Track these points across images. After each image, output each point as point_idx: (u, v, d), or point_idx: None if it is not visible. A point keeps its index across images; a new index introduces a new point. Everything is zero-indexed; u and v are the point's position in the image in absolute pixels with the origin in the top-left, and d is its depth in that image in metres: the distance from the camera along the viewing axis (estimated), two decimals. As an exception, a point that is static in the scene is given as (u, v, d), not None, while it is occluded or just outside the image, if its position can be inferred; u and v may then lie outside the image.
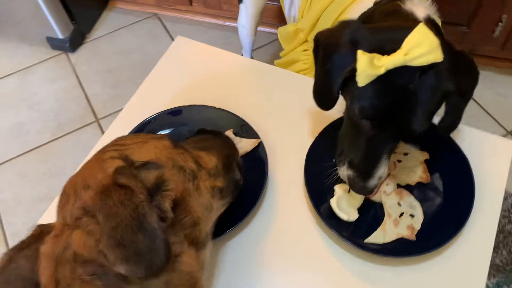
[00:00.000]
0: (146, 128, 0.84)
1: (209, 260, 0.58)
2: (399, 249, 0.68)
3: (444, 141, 0.77)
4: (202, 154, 0.58)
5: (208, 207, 0.54)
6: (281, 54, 1.07)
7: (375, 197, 0.74)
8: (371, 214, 0.74)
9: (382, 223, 0.70)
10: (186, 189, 0.51)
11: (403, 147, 0.78)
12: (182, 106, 0.86)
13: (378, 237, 0.69)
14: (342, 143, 0.70)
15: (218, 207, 0.58)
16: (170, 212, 0.45)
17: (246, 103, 0.89)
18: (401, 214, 0.71)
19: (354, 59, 0.58)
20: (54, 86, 1.86)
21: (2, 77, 1.90)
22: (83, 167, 0.51)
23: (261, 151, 0.80)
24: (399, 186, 0.75)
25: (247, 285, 0.71)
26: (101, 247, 0.42)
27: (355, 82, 0.58)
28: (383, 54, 0.56)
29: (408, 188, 0.75)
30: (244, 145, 0.80)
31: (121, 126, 0.88)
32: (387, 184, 0.73)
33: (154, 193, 0.45)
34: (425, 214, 0.72)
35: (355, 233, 0.71)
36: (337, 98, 0.66)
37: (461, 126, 0.83)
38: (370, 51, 0.57)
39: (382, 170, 0.65)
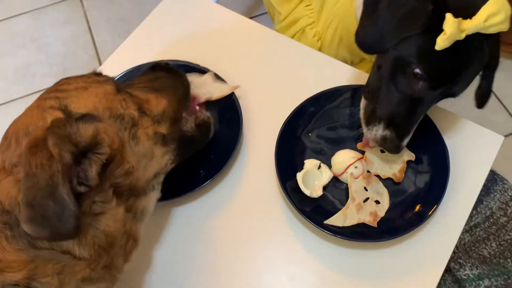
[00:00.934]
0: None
1: (153, 209, 0.58)
2: (358, 233, 0.66)
3: (429, 128, 0.73)
4: (151, 96, 0.56)
5: (147, 154, 0.53)
6: (281, 17, 1.02)
7: (343, 177, 0.71)
8: (337, 194, 0.71)
9: (345, 207, 0.67)
10: (121, 139, 0.50)
11: None
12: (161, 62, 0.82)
13: (338, 220, 0.66)
14: (374, 102, 0.67)
15: (162, 154, 0.56)
16: (95, 179, 0.45)
17: (235, 65, 0.86)
18: (366, 199, 0.68)
19: (431, 15, 0.57)
20: (64, 30, 1.85)
21: (15, 16, 1.89)
22: (25, 112, 0.51)
23: (236, 114, 0.77)
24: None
25: (196, 252, 0.70)
26: (19, 200, 0.43)
27: (421, 40, 0.59)
28: (462, 17, 0.56)
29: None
30: (223, 89, 0.78)
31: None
32: (355, 167, 0.70)
33: (85, 154, 0.46)
34: (391, 202, 0.68)
35: (317, 211, 0.68)
36: (390, 46, 0.62)
37: (453, 115, 0.78)
38: (449, 10, 0.56)
39: (415, 128, 0.66)
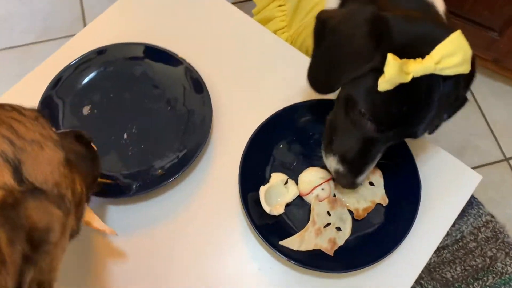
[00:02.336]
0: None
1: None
2: (314, 259, 0.62)
3: (405, 160, 0.68)
4: (76, 176, 0.44)
5: (65, 248, 0.41)
6: (253, 11, 0.96)
7: (309, 197, 0.66)
8: (300, 213, 0.67)
9: (303, 229, 0.63)
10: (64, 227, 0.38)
11: (377, 179, 0.69)
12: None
13: (293, 242, 0.62)
14: (332, 132, 0.63)
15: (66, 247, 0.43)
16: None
17: (213, 58, 0.80)
18: (328, 225, 0.64)
19: (374, 56, 0.51)
20: (52, -15, 1.75)
21: (1, -37, 1.78)
22: None
23: (209, 112, 0.72)
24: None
25: (137, 258, 0.66)
26: None
27: (367, 80, 0.52)
28: (410, 58, 0.50)
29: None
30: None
31: (74, 49, 0.79)
32: (322, 189, 0.65)
33: (29, 258, 0.32)
34: (353, 232, 0.64)
35: (274, 230, 0.64)
36: (338, 88, 0.60)
37: (434, 147, 0.74)
38: (395, 50, 0.49)
39: (373, 166, 0.62)
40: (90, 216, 0.53)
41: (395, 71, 0.48)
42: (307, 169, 0.69)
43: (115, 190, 0.66)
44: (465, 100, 0.59)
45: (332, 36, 0.56)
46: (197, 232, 0.67)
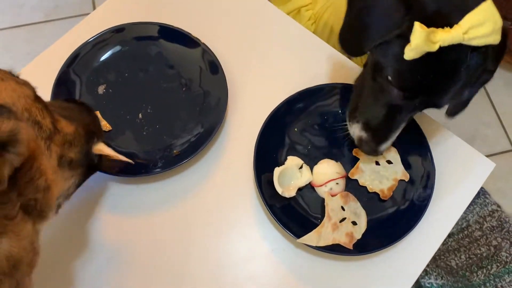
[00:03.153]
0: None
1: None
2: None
3: (419, 143, 0.69)
4: (61, 119, 0.51)
5: (55, 172, 0.47)
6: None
7: (320, 189, 0.66)
8: (311, 200, 0.67)
9: (320, 225, 0.63)
10: (39, 147, 0.43)
11: (393, 156, 0.69)
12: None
13: (311, 239, 0.61)
14: (358, 99, 0.64)
15: (68, 177, 0.51)
16: (4, 182, 0.37)
17: (228, 39, 0.79)
18: (343, 219, 0.64)
19: (402, 22, 0.51)
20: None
21: None
22: None
23: (224, 93, 0.71)
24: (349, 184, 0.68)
25: (150, 237, 0.66)
26: None
27: (395, 46, 0.52)
28: (439, 26, 0.49)
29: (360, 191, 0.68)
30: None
31: (87, 29, 0.79)
32: (337, 183, 0.65)
33: None
34: (369, 217, 0.65)
35: (286, 211, 0.65)
36: (367, 51, 0.59)
37: (447, 133, 0.74)
38: (424, 18, 0.49)
39: (397, 134, 0.62)
40: (102, 147, 0.59)
41: (421, 40, 0.48)
42: (323, 160, 0.68)
43: (130, 169, 0.67)
44: (491, 74, 0.58)
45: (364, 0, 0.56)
46: (211, 212, 0.68)
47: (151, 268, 0.64)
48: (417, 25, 0.48)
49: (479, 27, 0.48)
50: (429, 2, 0.51)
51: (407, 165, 0.68)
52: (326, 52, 0.79)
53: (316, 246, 0.61)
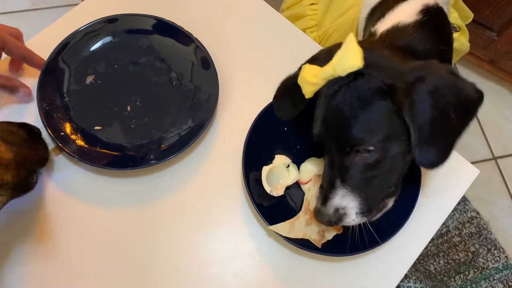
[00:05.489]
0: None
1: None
2: (308, 242, 0.62)
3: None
4: (2, 143, 0.53)
5: None
6: (283, 6, 0.95)
7: (306, 187, 0.67)
8: (299, 198, 0.67)
9: (295, 217, 0.63)
10: None
11: None
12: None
13: (283, 228, 0.62)
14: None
15: None
16: None
17: (222, 35, 0.79)
18: None
19: None
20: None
21: None
22: None
23: (215, 89, 0.71)
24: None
25: (135, 232, 0.65)
26: None
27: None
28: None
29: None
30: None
31: (76, 18, 0.77)
32: (315, 185, 0.66)
33: None
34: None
35: (273, 210, 0.65)
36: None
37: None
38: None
39: (337, 199, 0.55)
40: None
41: (305, 73, 0.54)
42: (310, 158, 0.69)
43: (117, 162, 0.66)
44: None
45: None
46: (197, 208, 0.67)
47: (135, 263, 0.63)
48: (305, 65, 0.55)
49: (343, 57, 0.50)
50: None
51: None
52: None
53: (302, 246, 0.61)
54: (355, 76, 0.52)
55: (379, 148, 0.52)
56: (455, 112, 0.49)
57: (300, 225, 0.62)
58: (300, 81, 0.55)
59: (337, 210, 0.55)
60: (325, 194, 0.56)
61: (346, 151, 0.53)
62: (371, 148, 0.52)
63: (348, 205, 0.55)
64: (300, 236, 0.62)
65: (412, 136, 0.49)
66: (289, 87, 0.60)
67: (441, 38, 0.63)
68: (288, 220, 0.62)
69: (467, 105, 0.50)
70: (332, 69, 0.51)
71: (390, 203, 0.58)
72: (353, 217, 0.56)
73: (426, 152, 0.50)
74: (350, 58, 0.50)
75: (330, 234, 0.63)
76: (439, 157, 0.50)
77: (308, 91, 0.55)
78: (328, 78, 0.52)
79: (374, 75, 0.51)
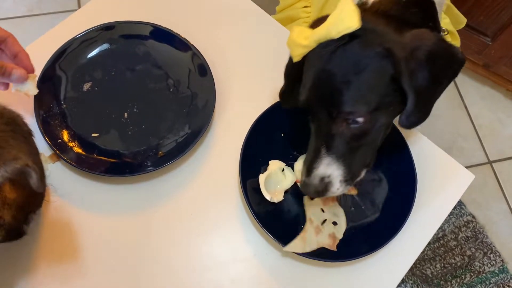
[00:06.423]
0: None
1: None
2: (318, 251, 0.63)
3: (402, 157, 0.70)
4: (7, 182, 0.51)
5: None
6: (277, 8, 0.95)
7: None
8: (298, 201, 0.67)
9: (303, 230, 0.63)
10: None
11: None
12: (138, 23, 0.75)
13: (297, 246, 0.61)
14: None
15: None
16: None
17: (218, 42, 0.79)
18: (324, 221, 0.65)
19: None
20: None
21: None
22: None
23: (212, 96, 0.71)
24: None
25: (132, 239, 0.65)
26: None
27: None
28: None
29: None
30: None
31: (73, 25, 0.78)
32: None
33: None
34: (351, 224, 0.66)
35: (272, 216, 0.65)
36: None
37: (430, 144, 0.75)
38: None
39: (322, 168, 0.55)
40: None
41: (295, 35, 0.53)
42: (302, 156, 0.69)
43: (115, 169, 0.66)
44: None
45: None
46: (194, 215, 0.67)
47: (132, 268, 0.63)
48: (295, 26, 0.52)
49: (337, 18, 0.49)
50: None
51: (390, 174, 0.70)
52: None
53: (310, 253, 0.61)
54: (350, 38, 0.50)
55: (368, 119, 0.52)
56: (446, 76, 0.52)
57: (311, 236, 0.62)
58: (288, 43, 0.52)
59: (322, 179, 0.55)
60: (310, 165, 0.56)
61: (334, 119, 0.52)
62: (360, 119, 0.52)
63: (333, 173, 0.55)
64: (315, 247, 0.62)
65: (408, 103, 0.50)
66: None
67: (427, 15, 0.61)
68: (298, 236, 0.62)
69: (456, 68, 0.53)
70: (326, 30, 0.49)
71: (363, 173, 0.59)
72: (337, 186, 0.56)
73: (413, 116, 0.51)
74: (346, 19, 0.48)
75: (340, 233, 0.63)
76: (421, 118, 0.53)
77: (297, 54, 0.52)
78: (321, 40, 0.50)
79: (372, 38, 0.50)
